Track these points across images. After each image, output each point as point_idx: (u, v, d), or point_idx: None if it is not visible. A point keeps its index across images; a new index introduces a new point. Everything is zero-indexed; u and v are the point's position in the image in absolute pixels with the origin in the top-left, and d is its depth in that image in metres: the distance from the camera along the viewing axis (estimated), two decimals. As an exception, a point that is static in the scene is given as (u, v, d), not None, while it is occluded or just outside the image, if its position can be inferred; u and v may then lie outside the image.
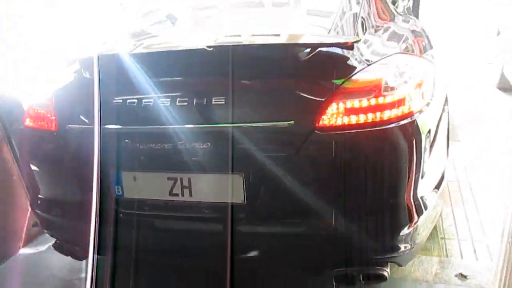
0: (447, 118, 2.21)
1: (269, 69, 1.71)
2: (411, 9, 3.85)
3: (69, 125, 1.85)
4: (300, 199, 1.65)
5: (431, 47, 2.44)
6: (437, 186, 1.95)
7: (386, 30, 2.16)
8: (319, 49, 1.69)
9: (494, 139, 3.61)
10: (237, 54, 1.68)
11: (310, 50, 1.68)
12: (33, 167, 2.02)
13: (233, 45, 1.75)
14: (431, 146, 1.80)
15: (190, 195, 1.72)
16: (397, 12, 2.70)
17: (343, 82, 1.65)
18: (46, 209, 2.05)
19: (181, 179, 1.72)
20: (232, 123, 1.63)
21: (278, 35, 1.97)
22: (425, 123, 1.73)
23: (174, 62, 1.78)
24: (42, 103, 1.97)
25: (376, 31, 2.11)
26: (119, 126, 1.77)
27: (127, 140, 1.73)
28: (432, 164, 1.82)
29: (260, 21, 2.31)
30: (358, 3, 2.30)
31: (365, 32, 2.02)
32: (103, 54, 1.83)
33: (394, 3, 3.11)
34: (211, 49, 1.65)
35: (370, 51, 1.84)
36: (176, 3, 2.75)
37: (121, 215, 1.82)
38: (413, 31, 2.42)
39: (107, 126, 1.74)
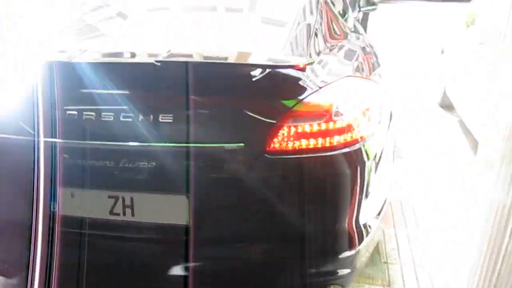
0: (392, 137, 2.23)
1: (220, 88, 1.67)
2: (360, 22, 3.87)
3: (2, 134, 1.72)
4: (245, 223, 1.67)
5: (379, 65, 2.44)
6: (380, 211, 1.95)
7: (340, 48, 2.15)
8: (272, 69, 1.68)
9: (435, 156, 3.70)
10: (186, 70, 1.63)
11: (262, 70, 1.65)
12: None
13: (183, 62, 1.69)
14: (376, 170, 1.81)
15: (133, 215, 1.67)
16: (348, 28, 2.71)
17: (294, 105, 1.63)
18: None
19: (123, 198, 1.65)
20: (179, 143, 1.59)
21: (230, 52, 1.87)
22: (370, 148, 1.74)
23: (121, 74, 1.70)
24: None
25: (330, 49, 2.09)
26: (57, 140, 1.65)
27: (65, 155, 1.65)
28: (376, 188, 1.83)
29: (212, 28, 2.21)
30: (311, 13, 2.27)
31: (318, 50, 1.99)
32: (48, 60, 1.72)
33: (343, 15, 3.10)
34: (159, 64, 1.60)
35: (323, 73, 1.81)
36: (127, 1, 2.62)
37: (56, 233, 1.72)
38: (363, 48, 2.42)
39: (44, 139, 1.64)
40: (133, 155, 1.60)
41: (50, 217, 1.70)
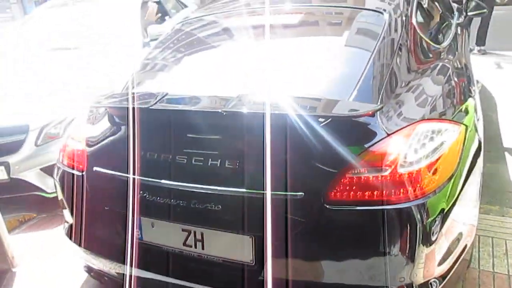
0: (478, 182, 2.06)
1: (282, 137, 1.65)
2: (461, 29, 3.65)
3: (96, 168, 1.99)
4: (304, 267, 1.72)
5: (472, 91, 2.34)
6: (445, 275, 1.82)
7: (416, 86, 2.03)
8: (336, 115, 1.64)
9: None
10: (251, 120, 1.66)
11: (327, 118, 1.64)
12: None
13: (248, 112, 1.67)
14: (442, 224, 1.70)
15: (202, 248, 1.81)
16: (443, 43, 2.66)
17: (357, 154, 1.62)
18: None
19: (195, 232, 1.81)
20: (243, 188, 1.67)
21: (295, 102, 1.75)
22: (439, 202, 1.66)
23: (191, 119, 1.81)
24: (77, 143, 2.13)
25: (409, 85, 2.00)
26: (141, 177, 1.85)
27: (146, 193, 1.84)
28: (442, 244, 1.75)
29: (282, 67, 2.15)
30: (395, 30, 2.21)
31: (395, 87, 1.94)
32: (135, 106, 1.89)
33: (443, 22, 3.01)
34: (225, 113, 1.65)
35: (394, 117, 1.76)
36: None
37: (141, 255, 1.94)
38: (456, 70, 2.33)
39: (131, 175, 1.85)
40: (202, 197, 1.73)
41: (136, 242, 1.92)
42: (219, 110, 1.66)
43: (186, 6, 6.62)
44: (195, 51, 2.62)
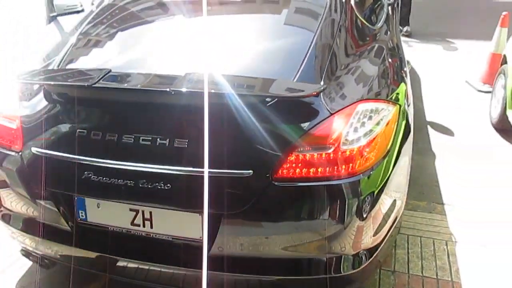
0: (409, 153, 2.18)
1: (230, 117, 1.69)
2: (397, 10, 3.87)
3: (35, 148, 1.91)
4: (251, 242, 1.77)
5: (404, 70, 2.51)
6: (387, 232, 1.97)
7: (355, 67, 2.13)
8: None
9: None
10: (200, 99, 1.59)
11: (272, 99, 1.69)
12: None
13: (196, 91, 1.66)
14: (382, 194, 1.82)
15: (151, 227, 1.83)
16: (378, 24, 2.80)
17: (302, 134, 1.69)
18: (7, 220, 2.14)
19: (143, 212, 1.82)
20: (192, 167, 1.69)
21: (240, 81, 1.82)
22: (375, 178, 1.77)
23: (140, 99, 1.83)
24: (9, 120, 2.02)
25: (348, 67, 2.10)
26: (82, 157, 1.82)
27: (91, 173, 1.80)
28: (383, 212, 1.88)
29: (227, 46, 2.16)
30: (336, 11, 2.29)
31: (336, 68, 2.03)
32: (76, 84, 1.87)
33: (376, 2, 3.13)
34: (173, 93, 1.66)
35: (336, 97, 1.85)
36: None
37: (86, 236, 1.93)
38: (389, 52, 2.48)
39: (69, 155, 1.84)
40: (150, 177, 1.73)
41: (78, 224, 1.91)
42: (168, 89, 1.67)
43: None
44: (132, 26, 2.54)
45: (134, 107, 1.82)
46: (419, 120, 4.31)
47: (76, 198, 1.87)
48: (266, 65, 2.00)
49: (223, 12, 2.48)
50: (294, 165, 1.66)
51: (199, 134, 1.65)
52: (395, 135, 1.90)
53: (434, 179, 3.36)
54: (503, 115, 3.84)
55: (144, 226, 1.83)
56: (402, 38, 6.75)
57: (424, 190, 3.22)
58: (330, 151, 1.67)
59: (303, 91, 1.74)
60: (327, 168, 1.66)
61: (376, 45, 2.49)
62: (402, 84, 2.34)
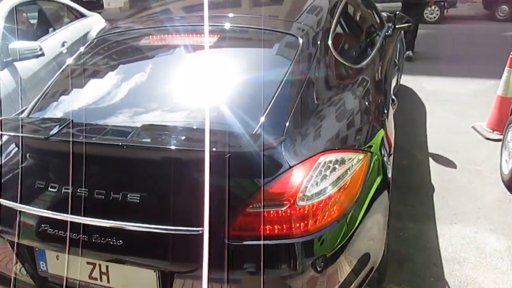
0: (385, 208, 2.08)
1: (182, 172, 1.68)
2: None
3: None
4: None
5: (387, 107, 2.45)
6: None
7: (326, 112, 2.07)
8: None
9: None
10: (152, 152, 1.69)
11: (226, 152, 1.60)
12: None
13: (147, 146, 1.68)
14: (348, 250, 1.73)
15: (108, 281, 1.81)
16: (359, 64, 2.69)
17: (255, 190, 1.63)
18: None
19: (100, 265, 1.80)
20: (143, 223, 1.66)
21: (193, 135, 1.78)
22: (338, 233, 1.69)
23: (91, 153, 1.76)
24: None
25: (316, 113, 2.03)
26: (38, 209, 1.82)
27: (47, 225, 1.79)
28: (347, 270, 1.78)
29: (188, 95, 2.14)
30: (308, 52, 2.25)
31: (304, 113, 1.96)
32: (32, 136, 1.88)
33: (372, 33, 3.19)
34: (124, 147, 1.66)
35: (297, 148, 1.78)
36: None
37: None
38: (371, 92, 2.39)
39: (28, 207, 1.83)
40: (102, 232, 1.70)
41: (39, 276, 1.92)
42: (119, 143, 1.67)
43: (83, 16, 5.64)
44: (105, 74, 2.48)
45: (89, 160, 1.77)
46: (418, 175, 3.74)
47: (37, 249, 1.87)
48: (227, 113, 1.90)
49: (189, 58, 2.43)
50: (247, 222, 1.62)
51: (151, 189, 1.71)
52: (363, 187, 1.81)
53: (432, 256, 2.77)
54: (517, 173, 3.27)
55: (101, 280, 1.81)
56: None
57: (420, 272, 2.63)
58: (284, 208, 1.61)
59: (258, 144, 1.63)
60: (282, 227, 1.60)
61: (354, 88, 2.39)
62: (381, 131, 2.21)
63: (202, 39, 2.43)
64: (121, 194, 1.69)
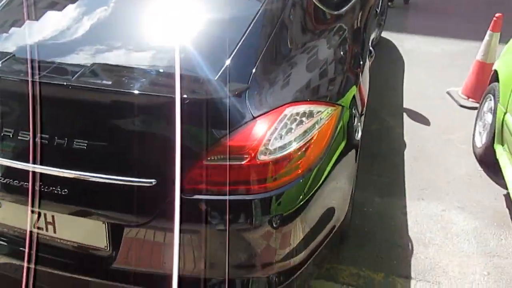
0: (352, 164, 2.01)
1: (133, 118, 1.56)
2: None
3: None
4: (157, 260, 1.64)
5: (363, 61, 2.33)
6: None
7: (297, 60, 1.91)
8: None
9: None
10: (101, 95, 1.57)
11: (186, 98, 1.47)
12: None
13: (97, 88, 1.56)
14: (298, 218, 1.61)
15: (54, 231, 1.70)
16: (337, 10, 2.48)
17: (216, 141, 1.50)
18: None
19: (45, 215, 1.69)
20: (91, 172, 1.55)
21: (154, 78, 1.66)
22: (299, 190, 1.60)
23: (34, 92, 1.59)
24: None
25: (286, 60, 1.87)
26: None
27: None
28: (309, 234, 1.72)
29: (146, 34, 1.95)
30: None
31: (273, 60, 1.81)
32: None
33: None
34: (70, 88, 1.56)
35: (263, 98, 1.64)
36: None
37: None
38: (347, 42, 2.27)
39: None
40: (48, 180, 1.59)
41: None
42: (64, 83, 1.57)
43: None
44: (59, 6, 2.23)
45: (32, 100, 1.61)
46: (387, 142, 3.51)
47: None
48: (187, 56, 1.71)
49: None
50: (204, 175, 1.51)
51: (100, 135, 1.58)
52: (331, 143, 1.72)
53: (397, 235, 2.58)
54: (489, 147, 3.07)
55: (47, 230, 1.70)
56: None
57: (383, 252, 2.44)
58: (244, 162, 1.50)
59: (219, 90, 1.54)
60: (239, 182, 1.51)
61: (330, 35, 2.25)
62: (353, 87, 2.06)
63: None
64: (66, 139, 1.56)
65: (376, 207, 2.80)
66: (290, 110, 1.60)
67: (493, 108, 3.14)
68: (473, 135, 3.49)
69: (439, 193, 2.96)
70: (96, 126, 1.59)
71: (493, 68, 3.37)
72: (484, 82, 3.87)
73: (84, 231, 1.68)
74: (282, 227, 1.57)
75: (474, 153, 3.37)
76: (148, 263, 1.65)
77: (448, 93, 4.40)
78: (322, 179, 1.68)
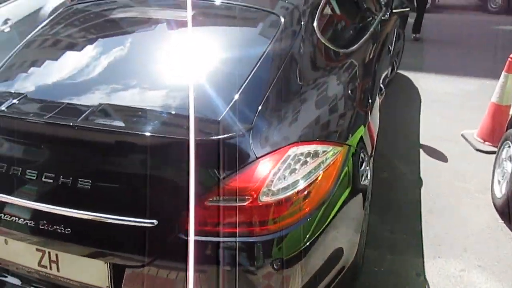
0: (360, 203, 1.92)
1: (136, 159, 1.61)
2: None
3: None
4: None
5: (373, 99, 2.28)
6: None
7: (303, 99, 1.89)
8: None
9: None
10: (107, 136, 1.60)
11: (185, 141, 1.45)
12: None
13: (102, 129, 1.60)
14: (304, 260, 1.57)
15: (58, 270, 1.71)
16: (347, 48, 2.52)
17: (221, 180, 1.50)
18: None
19: (49, 253, 1.70)
20: (93, 211, 1.58)
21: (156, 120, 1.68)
22: (305, 232, 1.56)
23: (42, 132, 1.69)
24: None
25: (291, 100, 1.84)
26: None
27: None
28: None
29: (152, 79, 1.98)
30: (290, 30, 2.09)
31: (279, 100, 1.80)
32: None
33: (367, 17, 3.02)
34: (76, 128, 1.59)
35: (267, 138, 1.63)
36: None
37: None
38: (357, 80, 2.22)
39: None
40: (53, 217, 1.61)
41: None
42: (71, 124, 1.59)
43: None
44: (69, 49, 2.29)
45: (40, 140, 1.70)
46: (400, 191, 3.31)
47: None
48: (197, 100, 1.65)
49: (160, 33, 2.25)
50: (205, 217, 1.50)
51: (104, 176, 1.59)
52: (337, 183, 1.68)
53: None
54: (511, 197, 2.85)
55: (51, 268, 1.72)
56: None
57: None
58: (246, 203, 1.49)
59: (221, 132, 1.55)
60: (241, 223, 1.49)
61: (338, 73, 2.23)
62: (361, 127, 2.03)
63: (175, 13, 2.25)
64: (71, 179, 1.59)
65: (387, 266, 2.58)
66: (294, 151, 1.59)
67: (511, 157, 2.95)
68: (492, 183, 3.28)
69: (457, 249, 2.73)
70: (99, 166, 1.62)
71: (511, 113, 3.20)
72: (501, 124, 3.70)
73: (86, 270, 1.67)
74: (286, 268, 1.54)
75: (494, 204, 3.15)
76: None
77: (462, 135, 4.22)
78: (328, 220, 1.65)
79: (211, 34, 2.23)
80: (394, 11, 3.96)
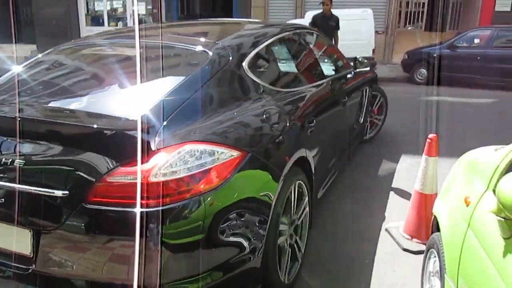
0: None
1: (58, 139, 2.02)
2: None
3: None
4: (69, 264, 1.95)
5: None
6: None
7: (225, 107, 2.41)
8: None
9: None
10: (36, 128, 2.06)
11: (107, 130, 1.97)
12: None
13: (33, 119, 2.11)
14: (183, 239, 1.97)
15: None
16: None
17: (123, 163, 1.88)
18: None
19: None
20: (19, 184, 1.95)
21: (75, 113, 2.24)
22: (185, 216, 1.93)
23: None
24: None
25: (204, 110, 2.29)
26: None
27: None
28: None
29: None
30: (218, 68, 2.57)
31: (193, 108, 2.25)
32: None
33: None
34: (19, 119, 2.01)
35: (171, 137, 1.99)
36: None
37: None
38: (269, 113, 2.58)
39: None
40: None
41: None
42: (13, 116, 2.04)
43: None
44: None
45: None
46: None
47: None
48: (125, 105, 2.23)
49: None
50: (106, 190, 1.86)
51: (33, 155, 2.03)
52: (228, 180, 2.00)
53: None
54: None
55: None
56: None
57: None
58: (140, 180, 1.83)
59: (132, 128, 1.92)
60: (134, 196, 1.80)
61: (258, 100, 2.61)
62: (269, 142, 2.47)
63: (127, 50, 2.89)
64: (3, 159, 2.02)
65: None
66: (190, 147, 1.97)
67: (439, 272, 2.24)
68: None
69: None
70: (28, 150, 2.02)
71: (433, 212, 2.54)
72: (426, 216, 3.09)
73: (11, 238, 1.99)
74: (162, 243, 1.85)
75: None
76: (61, 269, 1.96)
77: (387, 230, 3.52)
78: (216, 210, 1.98)
79: (153, 62, 2.65)
80: (356, 70, 4.54)
